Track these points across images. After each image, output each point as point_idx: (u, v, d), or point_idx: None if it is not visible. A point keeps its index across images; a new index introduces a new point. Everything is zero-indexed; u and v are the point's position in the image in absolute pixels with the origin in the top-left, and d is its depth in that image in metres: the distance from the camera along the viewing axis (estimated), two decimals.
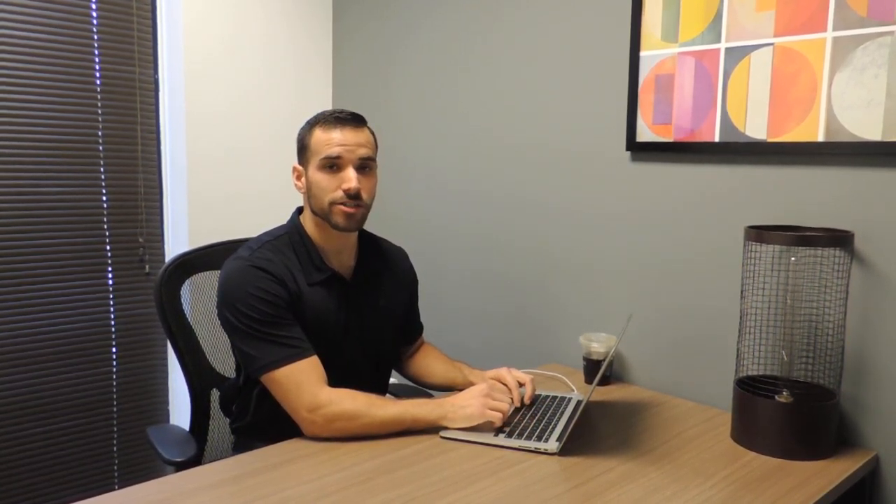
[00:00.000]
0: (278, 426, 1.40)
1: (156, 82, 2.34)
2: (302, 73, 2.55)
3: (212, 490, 1.14)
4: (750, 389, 1.38)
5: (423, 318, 1.77)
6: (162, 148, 2.37)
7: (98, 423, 2.32)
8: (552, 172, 1.91)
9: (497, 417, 1.35)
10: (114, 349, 2.33)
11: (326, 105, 2.63)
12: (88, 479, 2.32)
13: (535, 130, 1.94)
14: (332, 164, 1.41)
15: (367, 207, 1.46)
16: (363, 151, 1.43)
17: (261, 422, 1.48)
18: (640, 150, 1.71)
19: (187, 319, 1.63)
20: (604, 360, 1.70)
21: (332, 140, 1.40)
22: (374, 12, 2.42)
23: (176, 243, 2.38)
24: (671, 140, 1.64)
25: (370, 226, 2.59)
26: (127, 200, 2.31)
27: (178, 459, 1.43)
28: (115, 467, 2.38)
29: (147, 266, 2.37)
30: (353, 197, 1.40)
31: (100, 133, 2.23)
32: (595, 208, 1.82)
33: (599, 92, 1.79)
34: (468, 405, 1.36)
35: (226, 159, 2.38)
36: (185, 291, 1.65)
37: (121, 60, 2.24)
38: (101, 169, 2.25)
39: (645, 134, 1.68)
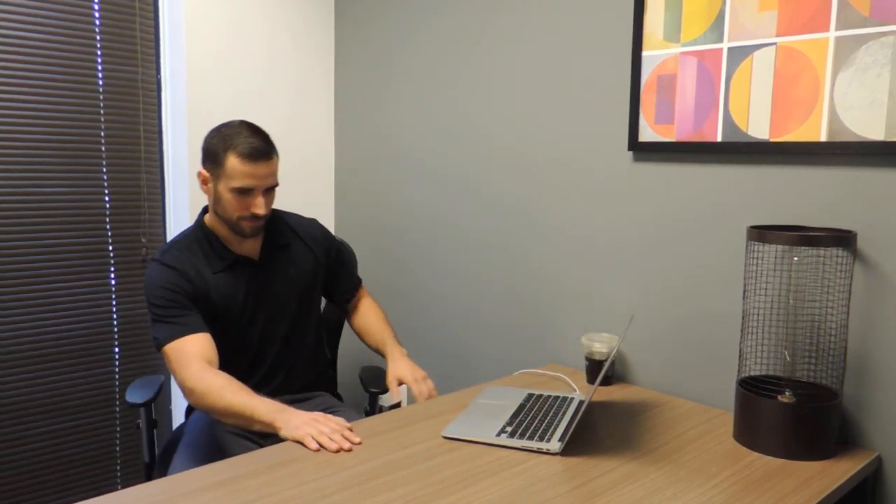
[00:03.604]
0: None
1: (158, 82, 2.34)
2: (303, 73, 2.55)
3: (212, 490, 1.15)
4: (752, 390, 1.38)
5: (422, 317, 1.77)
6: (164, 148, 2.38)
7: (100, 422, 2.32)
8: (554, 171, 1.91)
9: (311, 444, 1.32)
10: (116, 349, 2.34)
11: (328, 106, 2.63)
12: (91, 479, 2.32)
13: (537, 130, 1.94)
14: (244, 192, 1.56)
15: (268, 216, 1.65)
16: (271, 181, 1.59)
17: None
18: (642, 150, 1.71)
19: None
20: (606, 360, 1.70)
21: (246, 172, 1.54)
22: (376, 12, 2.42)
23: None
24: (673, 140, 1.63)
25: (374, 225, 2.59)
26: (129, 200, 2.31)
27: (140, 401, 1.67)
28: (118, 467, 2.38)
29: None
30: (260, 216, 1.59)
31: (102, 133, 2.23)
32: (597, 208, 1.82)
33: (601, 92, 1.78)
34: (299, 426, 1.36)
35: None
36: None
37: (123, 61, 2.25)
38: (104, 169, 2.25)
39: (647, 134, 1.68)
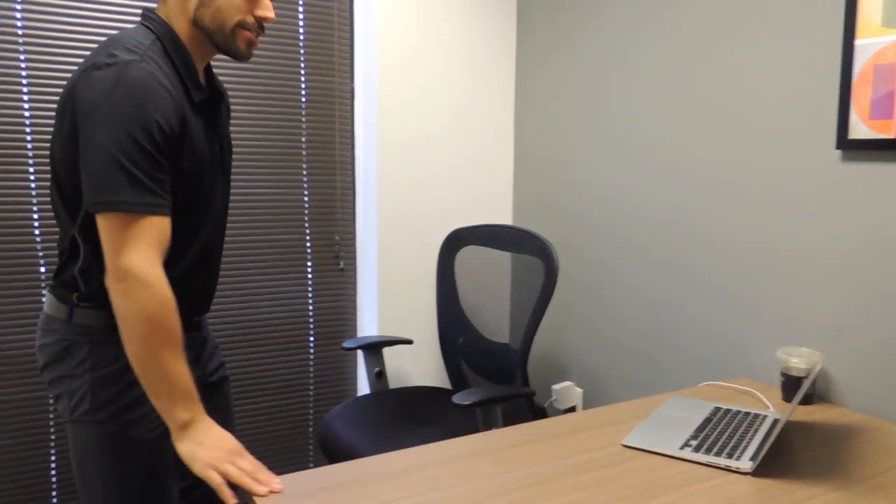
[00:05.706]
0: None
1: (351, 91, 2.51)
2: (485, 76, 2.60)
3: (400, 477, 1.21)
4: None
5: (606, 315, 1.72)
6: (356, 152, 2.54)
7: (295, 404, 2.54)
8: (753, 168, 1.78)
9: (218, 483, 1.07)
10: (311, 338, 2.54)
11: (510, 105, 2.66)
12: (286, 456, 2.54)
13: (734, 123, 1.83)
14: None
15: None
16: None
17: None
18: (854, 149, 1.55)
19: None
20: (806, 376, 1.56)
21: None
22: (559, 15, 2.41)
23: (367, 241, 2.53)
24: (892, 137, 1.46)
25: (556, 214, 2.58)
26: (325, 201, 2.50)
27: None
28: (310, 447, 2.58)
29: (341, 262, 2.55)
30: (262, 27, 1.23)
31: (303, 139, 2.44)
32: (799, 210, 1.68)
33: (804, 84, 1.64)
34: (214, 463, 1.09)
35: (413, 166, 2.50)
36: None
37: (322, 72, 2.44)
38: (304, 172, 2.46)
39: (859, 130, 1.52)
